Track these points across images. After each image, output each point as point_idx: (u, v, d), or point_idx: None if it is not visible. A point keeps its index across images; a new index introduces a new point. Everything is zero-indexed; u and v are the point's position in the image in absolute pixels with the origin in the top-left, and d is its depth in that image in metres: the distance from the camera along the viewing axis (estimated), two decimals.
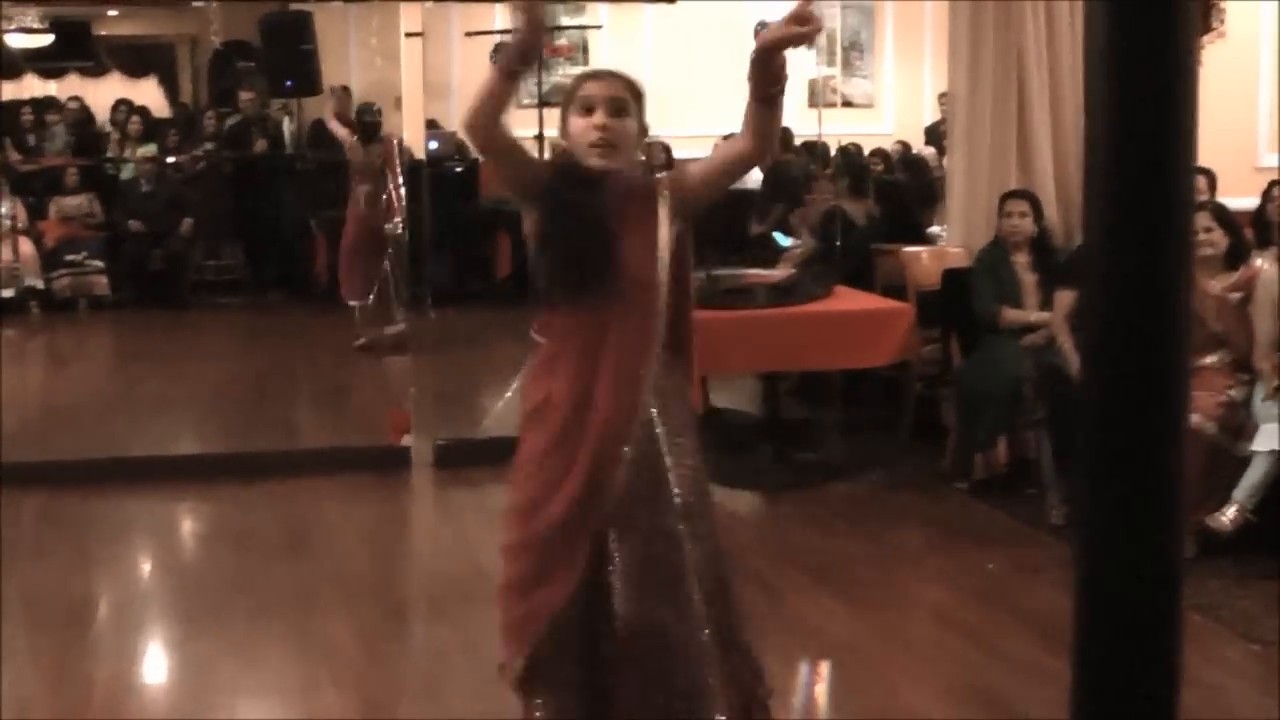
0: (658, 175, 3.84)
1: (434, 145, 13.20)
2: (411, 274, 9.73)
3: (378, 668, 5.39)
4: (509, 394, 8.33)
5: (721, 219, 12.53)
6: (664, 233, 3.62)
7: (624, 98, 3.66)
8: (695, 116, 14.88)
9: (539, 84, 14.77)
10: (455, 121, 14.49)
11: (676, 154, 13.62)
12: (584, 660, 3.65)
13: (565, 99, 3.71)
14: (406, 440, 8.10)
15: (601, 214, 3.58)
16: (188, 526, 7.17)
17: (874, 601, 5.95)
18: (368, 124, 11.88)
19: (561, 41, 15.41)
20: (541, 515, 3.61)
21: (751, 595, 5.89)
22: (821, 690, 4.93)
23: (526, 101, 14.94)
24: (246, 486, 7.60)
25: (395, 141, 11.51)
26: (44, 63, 18.32)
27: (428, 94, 12.34)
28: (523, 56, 3.57)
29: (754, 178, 13.50)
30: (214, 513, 7.31)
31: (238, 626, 5.71)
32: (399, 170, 11.27)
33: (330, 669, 5.30)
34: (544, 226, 3.63)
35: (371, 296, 11.16)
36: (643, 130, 3.73)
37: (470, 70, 14.73)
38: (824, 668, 5.39)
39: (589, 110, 3.62)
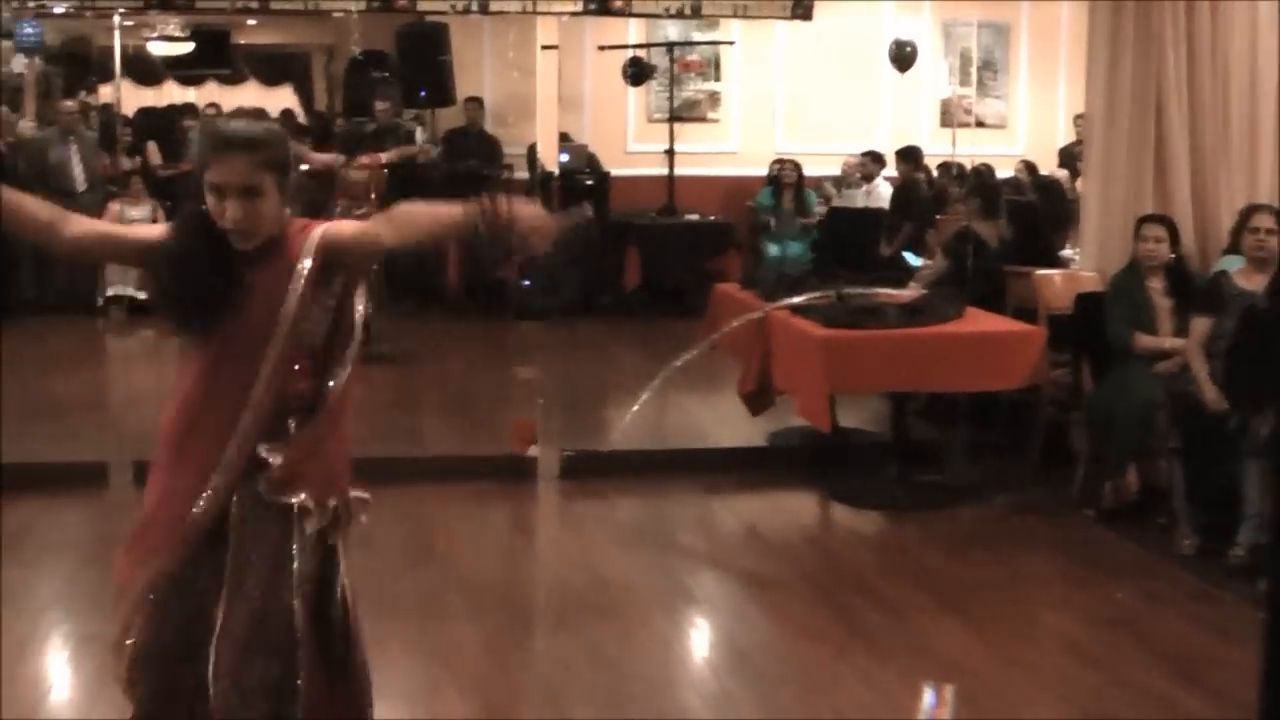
0: (314, 232, 3.55)
1: (565, 158, 13.25)
2: (546, 287, 9.76)
3: (500, 674, 5.44)
4: (636, 407, 8.34)
5: (851, 238, 12.49)
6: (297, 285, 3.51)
7: (254, 183, 3.40)
8: (825, 134, 14.83)
9: (670, 99, 14.83)
10: (587, 134, 14.57)
11: (807, 171, 13.61)
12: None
13: (198, 164, 3.45)
14: (532, 451, 8.14)
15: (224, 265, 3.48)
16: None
17: (999, 627, 5.89)
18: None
19: (693, 57, 15.43)
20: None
21: (874, 616, 5.90)
22: (946, 716, 4.89)
23: (657, 116, 15.04)
24: (375, 491, 7.64)
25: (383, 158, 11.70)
26: (184, 70, 18.66)
27: (560, 107, 12.42)
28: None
29: (882, 196, 13.48)
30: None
31: (363, 628, 5.75)
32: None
33: (453, 673, 5.35)
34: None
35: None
36: (284, 191, 3.49)
37: (602, 83, 14.79)
38: (948, 692, 5.36)
39: (220, 195, 3.40)
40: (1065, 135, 14.87)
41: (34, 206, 3.45)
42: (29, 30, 15.43)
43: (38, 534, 6.86)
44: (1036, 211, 10.18)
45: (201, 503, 3.53)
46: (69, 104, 15.16)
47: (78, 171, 13.72)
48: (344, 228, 3.61)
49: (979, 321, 7.83)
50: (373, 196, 11.48)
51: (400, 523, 7.25)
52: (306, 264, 3.47)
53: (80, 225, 3.47)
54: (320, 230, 3.53)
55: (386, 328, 11.33)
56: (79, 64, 16.95)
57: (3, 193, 3.38)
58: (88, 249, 3.59)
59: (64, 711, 5.08)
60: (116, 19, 14.23)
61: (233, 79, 19.21)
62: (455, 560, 6.78)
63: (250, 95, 18.32)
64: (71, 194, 13.43)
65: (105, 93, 17.14)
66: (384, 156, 11.84)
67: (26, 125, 14.71)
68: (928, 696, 5.26)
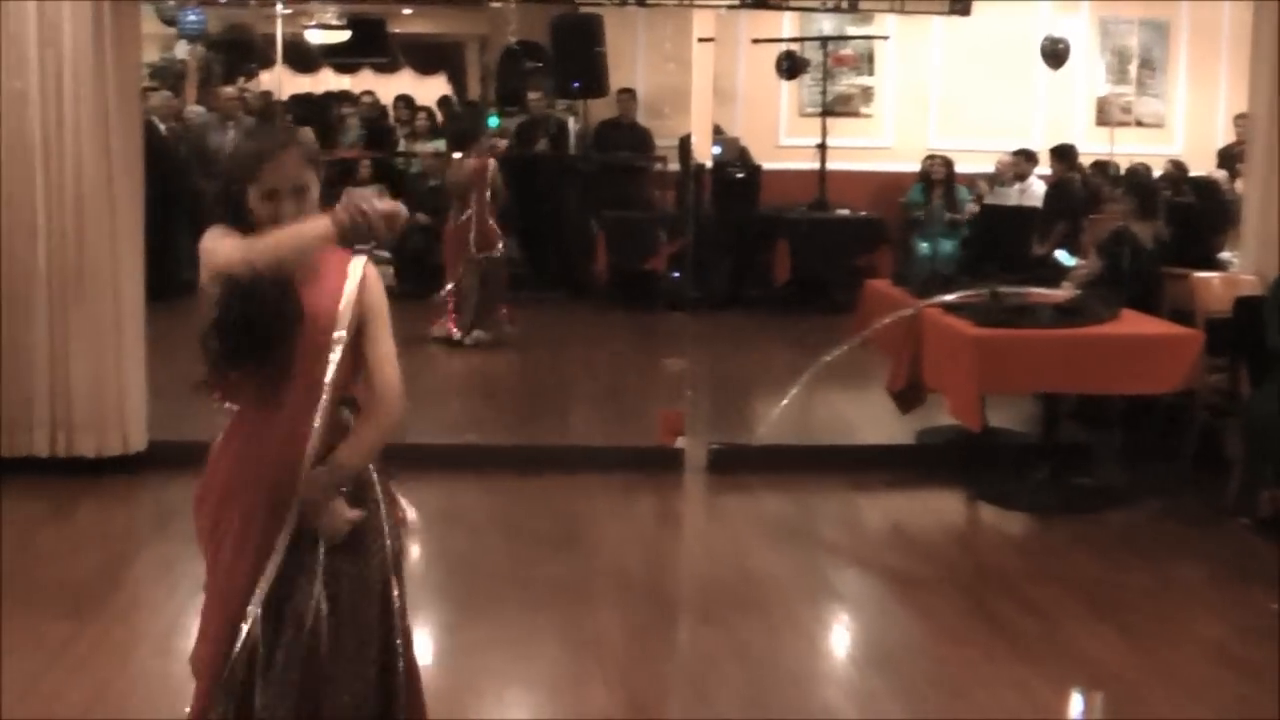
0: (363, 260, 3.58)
1: (717, 150, 13.26)
2: (695, 279, 9.78)
3: (646, 667, 5.46)
4: (784, 402, 8.34)
5: (1003, 236, 12.37)
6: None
7: (304, 180, 3.43)
8: (979, 130, 14.70)
9: (823, 93, 14.78)
10: (739, 127, 14.57)
11: (960, 168, 13.52)
12: None
13: (244, 169, 3.44)
14: (680, 442, 8.16)
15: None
16: (465, 514, 7.32)
17: (1150, 634, 5.81)
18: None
19: (847, 51, 15.36)
20: None
21: (1022, 619, 5.85)
22: None
23: (810, 110, 14.99)
24: (523, 479, 7.75)
25: (491, 161, 11.76)
26: (340, 58, 18.92)
27: (714, 99, 12.43)
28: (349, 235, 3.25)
29: (1036, 194, 13.33)
30: (491, 503, 7.45)
31: (510, 616, 5.82)
32: (490, 191, 11.62)
33: (599, 665, 5.38)
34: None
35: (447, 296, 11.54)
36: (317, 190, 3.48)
37: (755, 77, 14.78)
38: (1098, 699, 5.33)
39: (274, 198, 3.39)
40: (1225, 135, 14.59)
41: None
42: (192, 18, 15.75)
43: (186, 513, 6.98)
44: (1195, 212, 10.02)
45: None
46: (229, 90, 15.46)
47: None
48: (381, 291, 3.63)
49: (1134, 323, 7.72)
50: (487, 194, 11.58)
51: (547, 512, 7.33)
52: (354, 286, 3.52)
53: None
54: (364, 260, 3.58)
55: (529, 315, 11.48)
56: (239, 51, 17.26)
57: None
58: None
59: None
60: (279, 7, 14.47)
61: (388, 67, 19.44)
62: (601, 550, 6.82)
63: (404, 83, 18.49)
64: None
65: (265, 79, 17.44)
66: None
67: (193, 109, 14.99)
68: (1077, 702, 5.24)
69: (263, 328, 3.39)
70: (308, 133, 3.35)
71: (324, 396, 3.48)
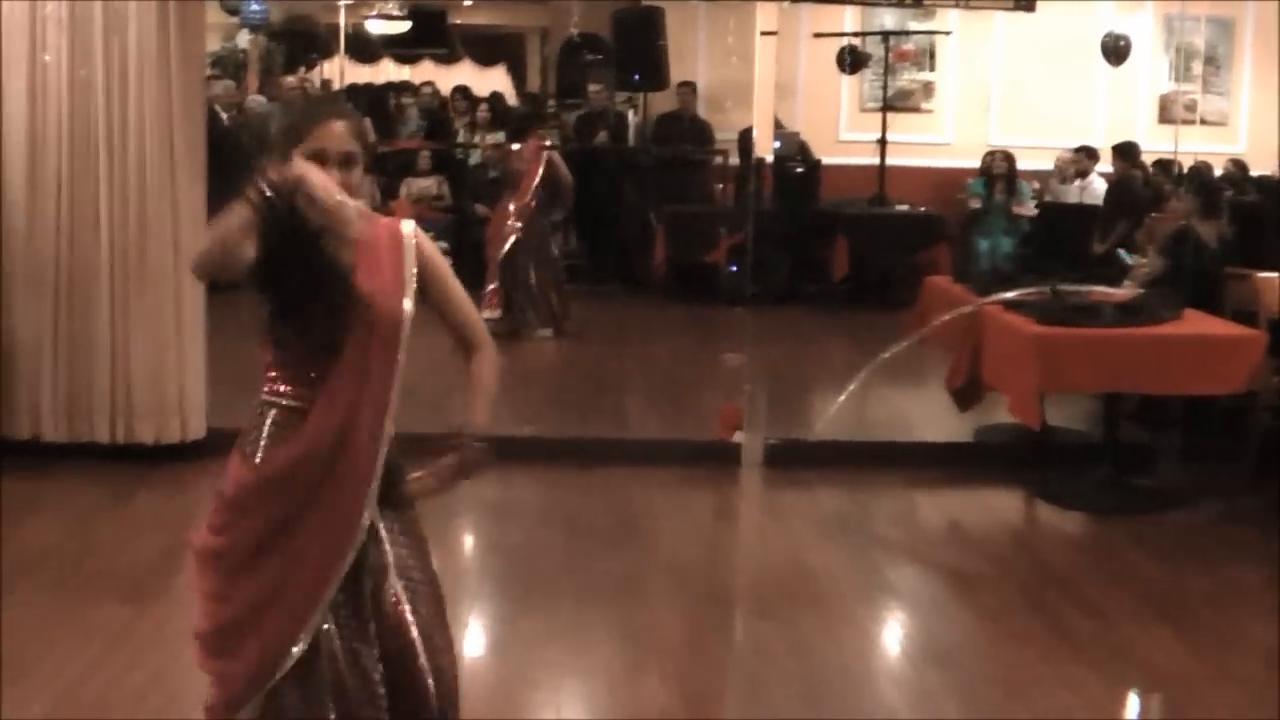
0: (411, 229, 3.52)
1: (777, 145, 13.22)
2: (754, 273, 9.76)
3: (701, 661, 5.45)
4: (842, 397, 8.31)
5: (1064, 234, 12.31)
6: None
7: (353, 150, 3.36)
8: (1040, 127, 14.62)
9: (884, 88, 14.72)
10: (799, 121, 14.53)
11: (1021, 165, 13.44)
12: None
13: (288, 134, 3.36)
14: (738, 437, 8.14)
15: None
16: (522, 507, 7.33)
17: (1209, 637, 5.76)
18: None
19: (908, 46, 15.30)
20: None
21: (1080, 620, 5.81)
22: None
23: (870, 105, 14.94)
24: (580, 472, 7.75)
25: (546, 150, 11.79)
26: (400, 49, 18.98)
27: (774, 93, 12.39)
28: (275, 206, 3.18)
29: (1097, 192, 13.24)
30: (548, 495, 7.46)
31: (565, 608, 5.82)
32: (544, 180, 11.63)
33: (655, 658, 5.37)
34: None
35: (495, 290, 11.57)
36: (366, 169, 3.43)
37: (815, 71, 14.75)
38: (1155, 701, 5.28)
39: (321, 164, 3.29)
40: None
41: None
42: (255, 7, 15.82)
43: None
44: (1259, 212, 9.92)
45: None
46: (290, 79, 15.53)
47: None
48: (437, 253, 3.60)
49: (1197, 323, 7.65)
50: (534, 184, 11.58)
51: (604, 504, 7.33)
52: (411, 258, 3.46)
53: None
54: (411, 229, 3.52)
55: (587, 308, 11.50)
56: (301, 41, 17.32)
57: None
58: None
59: None
60: None
61: (448, 58, 19.50)
62: (658, 543, 6.82)
63: (465, 75, 18.56)
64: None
65: (325, 69, 17.52)
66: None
67: (255, 99, 15.06)
68: (1133, 704, 5.20)
69: (306, 292, 3.32)
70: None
71: (395, 382, 3.43)
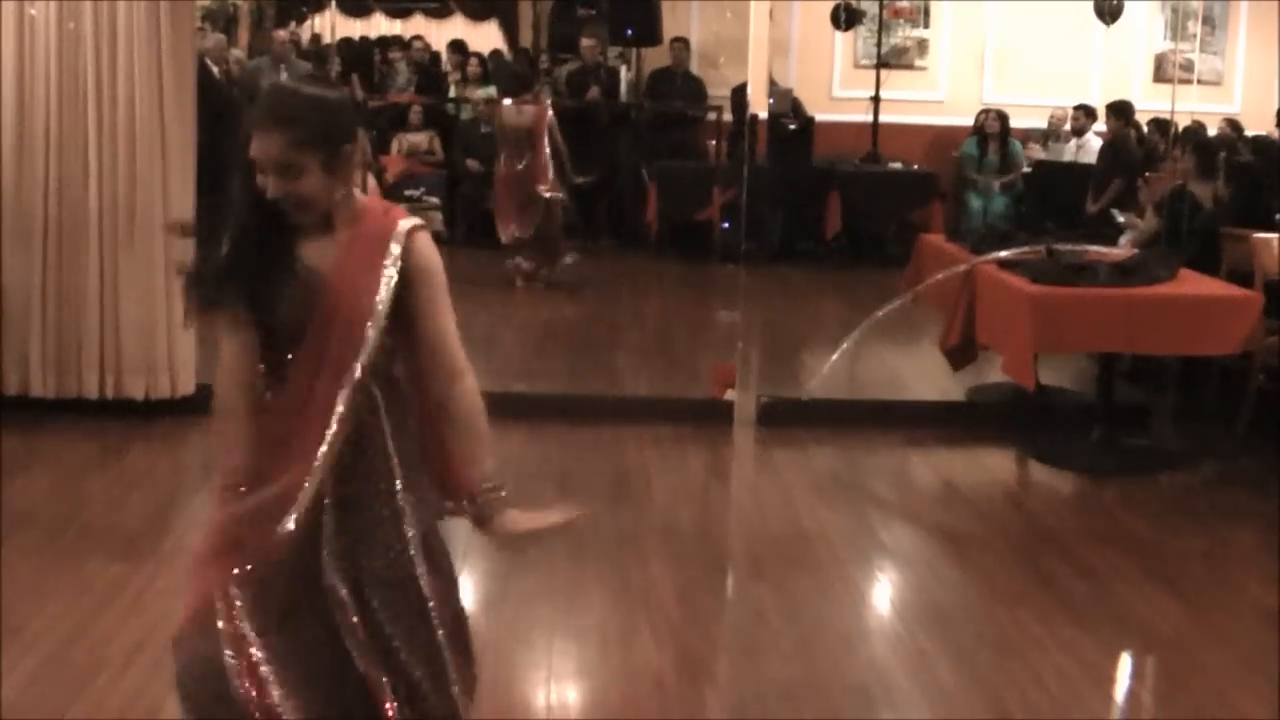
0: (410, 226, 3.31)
1: (771, 101, 13.17)
2: (747, 230, 9.72)
3: (695, 622, 5.43)
4: (835, 356, 8.29)
5: (1058, 193, 12.28)
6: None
7: (291, 161, 3.14)
8: (1035, 85, 14.57)
9: (878, 45, 14.66)
10: (793, 78, 14.49)
11: (1015, 123, 13.40)
12: None
13: (243, 137, 3.20)
14: (731, 395, 8.12)
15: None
16: (513, 464, 7.29)
17: (1204, 599, 5.75)
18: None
19: (903, 3, 15.24)
20: None
21: (1074, 581, 5.80)
22: None
23: (864, 62, 14.88)
24: (572, 429, 7.72)
25: (549, 109, 11.78)
26: (391, 2, 18.84)
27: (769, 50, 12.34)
28: None
29: (1092, 151, 13.20)
30: (539, 452, 7.42)
31: (559, 567, 5.78)
32: (548, 137, 11.66)
33: (648, 618, 5.35)
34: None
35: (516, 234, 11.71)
36: (335, 166, 3.20)
37: (809, 28, 14.70)
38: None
39: (261, 170, 3.16)
40: None
41: None
42: None
43: None
44: (1255, 172, 9.88)
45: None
46: (281, 34, 15.41)
47: None
48: (436, 262, 3.33)
49: (1193, 284, 7.61)
50: (538, 146, 11.57)
51: (597, 462, 7.31)
52: (395, 253, 3.25)
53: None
54: (411, 226, 3.31)
55: (579, 265, 11.49)
56: None
57: None
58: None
59: None
60: None
61: (440, 12, 19.34)
62: (651, 502, 6.80)
63: (456, 28, 18.42)
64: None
65: (316, 23, 17.40)
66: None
67: (241, 53, 14.97)
68: (1126, 665, 5.20)
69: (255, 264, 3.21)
70: (332, 104, 3.02)
71: (347, 389, 3.22)
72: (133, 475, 6.90)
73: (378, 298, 3.21)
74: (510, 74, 12.63)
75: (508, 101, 12.06)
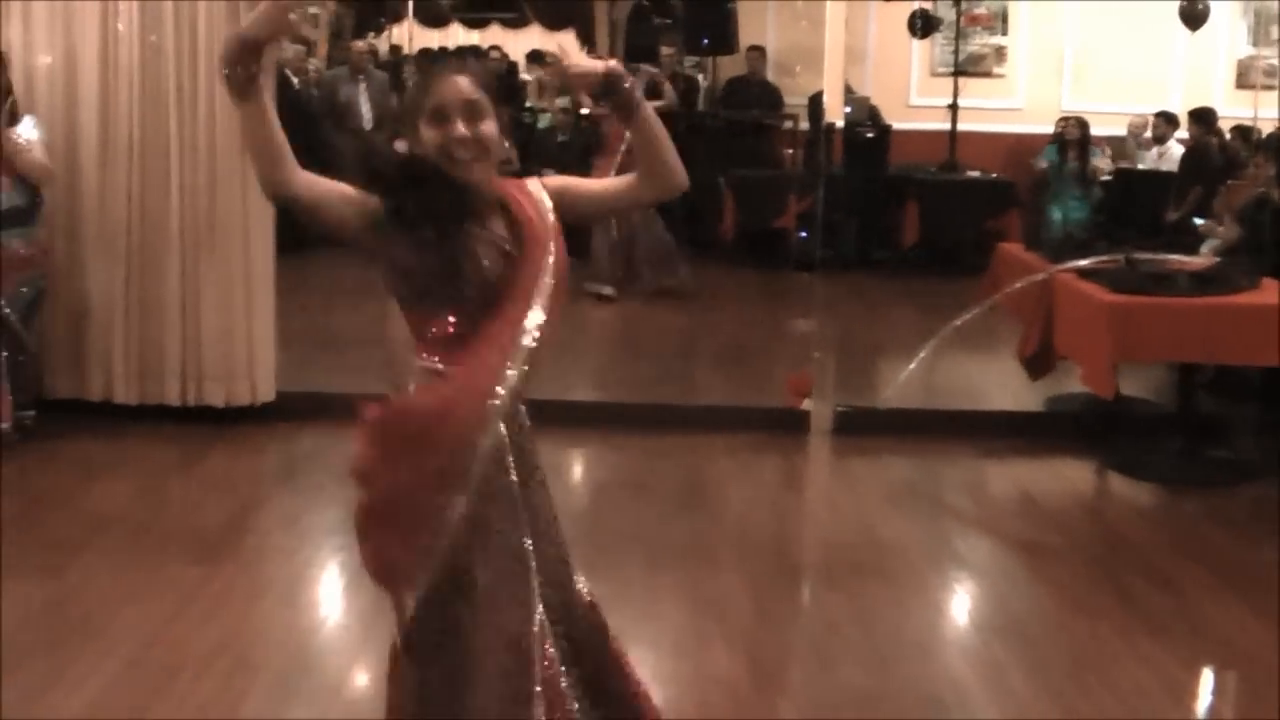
0: (541, 180, 3.48)
1: (847, 109, 13.14)
2: (823, 239, 9.72)
3: (768, 630, 5.43)
4: (912, 365, 8.25)
5: (1139, 201, 12.17)
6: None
7: (477, 99, 3.26)
8: (1115, 92, 14.48)
9: (955, 52, 14.60)
10: (869, 86, 14.45)
11: (1095, 130, 13.30)
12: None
13: (412, 105, 3.32)
14: (806, 404, 8.10)
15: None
16: (588, 472, 7.33)
17: None
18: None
19: (980, 10, 15.17)
20: None
21: (1153, 593, 5.75)
22: None
23: (941, 69, 14.82)
24: (648, 438, 7.73)
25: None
26: (469, 13, 18.98)
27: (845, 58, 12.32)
28: (236, 57, 3.18)
29: (1174, 158, 13.08)
30: (615, 461, 7.45)
31: (633, 575, 5.80)
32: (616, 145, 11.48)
33: (721, 626, 5.35)
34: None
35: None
36: (502, 126, 3.33)
37: (886, 36, 14.66)
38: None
39: (443, 119, 3.24)
40: None
41: (279, 132, 3.29)
42: None
43: (320, 463, 7.07)
44: None
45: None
46: (359, 44, 15.55)
47: (365, 110, 14.08)
48: (579, 187, 3.55)
49: (1275, 293, 7.53)
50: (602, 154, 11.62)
51: (674, 471, 7.33)
52: (548, 208, 3.39)
53: (310, 176, 3.26)
54: (539, 180, 3.47)
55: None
56: (370, 5, 17.36)
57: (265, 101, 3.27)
58: (313, 202, 3.22)
59: (340, 639, 5.22)
60: None
61: (517, 22, 19.47)
62: (726, 511, 6.80)
63: (533, 39, 18.54)
64: (360, 131, 13.80)
65: (395, 33, 17.56)
66: None
67: (319, 63, 15.11)
68: (1206, 680, 5.14)
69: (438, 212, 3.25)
70: (490, 66, 3.15)
71: (524, 338, 3.30)
72: (212, 480, 6.98)
73: (549, 215, 3.38)
74: None
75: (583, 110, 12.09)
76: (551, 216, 3.39)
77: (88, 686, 4.63)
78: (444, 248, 3.23)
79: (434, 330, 3.30)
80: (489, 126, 3.27)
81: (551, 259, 3.35)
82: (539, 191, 3.43)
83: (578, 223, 3.52)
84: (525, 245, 3.32)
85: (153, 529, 6.20)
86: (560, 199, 3.43)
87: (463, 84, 3.26)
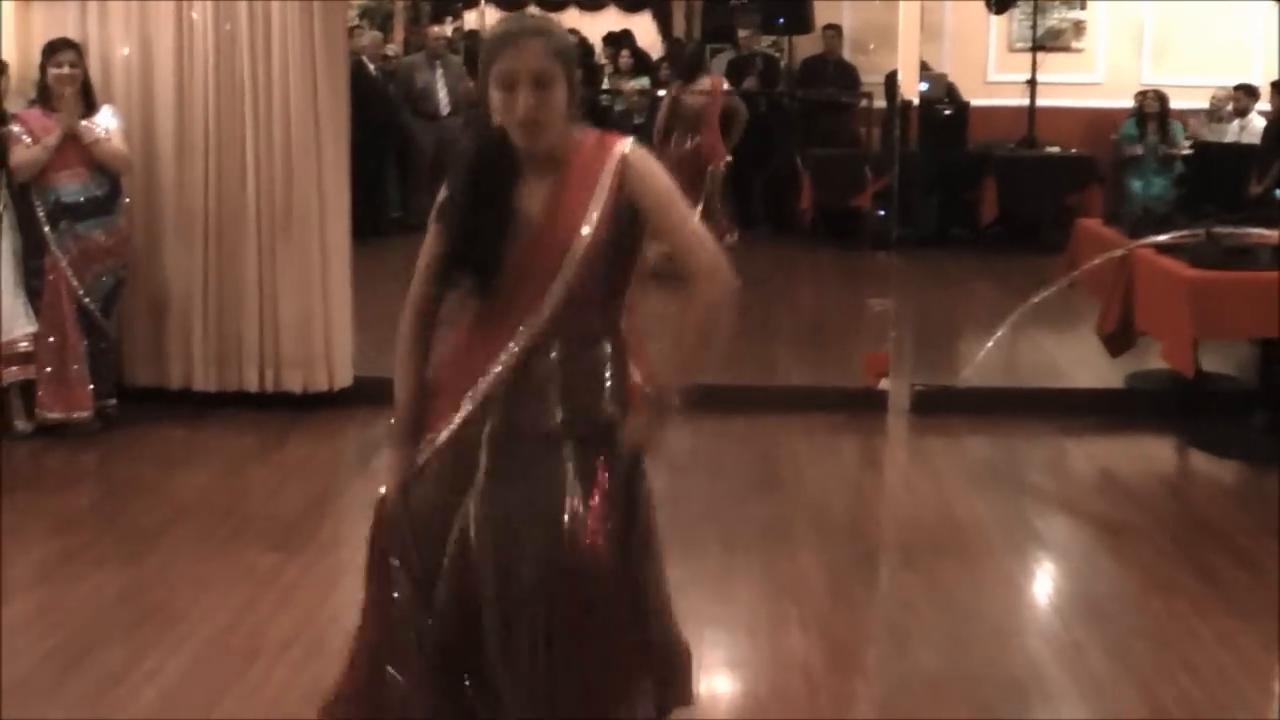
0: (624, 151, 3.33)
1: (924, 87, 13.04)
2: (900, 217, 9.65)
3: (845, 611, 5.40)
4: (990, 343, 8.19)
5: (1220, 174, 12.01)
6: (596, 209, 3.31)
7: (546, 68, 3.20)
8: (1195, 65, 14.28)
9: (1033, 27, 14.46)
10: (946, 63, 14.35)
11: (1175, 103, 13.15)
12: None
13: (483, 65, 3.26)
14: (884, 384, 8.06)
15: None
16: (666, 453, 7.29)
17: None
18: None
19: None
20: None
21: (1235, 573, 5.68)
22: None
23: (1019, 45, 14.68)
24: (725, 419, 7.69)
25: (723, 88, 11.87)
26: None
27: (921, 35, 12.23)
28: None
29: (1256, 131, 12.89)
30: (692, 442, 7.43)
31: (709, 557, 5.79)
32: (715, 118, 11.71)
33: (797, 608, 5.33)
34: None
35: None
36: (573, 90, 3.27)
37: (963, 11, 14.54)
38: None
39: (510, 86, 3.20)
40: None
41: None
42: None
43: None
44: None
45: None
46: (436, 30, 15.57)
47: (443, 95, 14.12)
48: (655, 175, 3.35)
49: None
50: (712, 124, 11.61)
51: (750, 452, 7.32)
52: (607, 183, 3.30)
53: (434, 306, 3.57)
54: (625, 151, 3.33)
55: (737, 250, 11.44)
56: None
57: None
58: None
59: None
60: None
61: (593, 4, 19.40)
62: (803, 491, 6.77)
63: (610, 20, 18.47)
64: (436, 116, 13.84)
65: (471, 19, 17.56)
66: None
67: (396, 49, 15.16)
68: None
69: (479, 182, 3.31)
70: (566, 30, 3.09)
71: (538, 320, 3.33)
72: (290, 466, 7.03)
73: (584, 227, 3.28)
74: (687, 60, 12.61)
75: (660, 92, 12.11)
76: (605, 193, 3.30)
77: (165, 672, 4.68)
78: (481, 214, 3.28)
79: (469, 310, 3.40)
80: (557, 96, 3.23)
81: (588, 235, 3.29)
82: (612, 165, 3.31)
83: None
84: (550, 222, 3.31)
85: (231, 516, 6.24)
86: (635, 194, 3.31)
87: (532, 52, 3.20)
